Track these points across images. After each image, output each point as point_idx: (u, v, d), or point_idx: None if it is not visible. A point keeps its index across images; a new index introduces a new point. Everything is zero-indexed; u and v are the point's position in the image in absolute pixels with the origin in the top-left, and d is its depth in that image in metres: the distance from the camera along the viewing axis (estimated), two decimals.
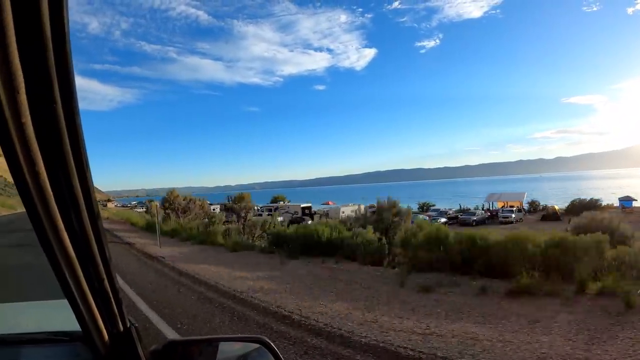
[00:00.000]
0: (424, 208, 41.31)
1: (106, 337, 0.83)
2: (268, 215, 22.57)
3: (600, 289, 5.18)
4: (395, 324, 4.46)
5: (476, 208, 37.75)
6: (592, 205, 30.94)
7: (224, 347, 1.14)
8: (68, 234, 0.59)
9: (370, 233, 9.73)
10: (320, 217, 37.15)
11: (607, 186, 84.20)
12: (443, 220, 26.93)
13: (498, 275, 6.28)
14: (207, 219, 16.83)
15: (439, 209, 37.38)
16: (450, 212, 35.36)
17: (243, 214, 16.29)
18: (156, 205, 13.46)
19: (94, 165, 0.57)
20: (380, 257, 8.48)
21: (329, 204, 53.47)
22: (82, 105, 0.53)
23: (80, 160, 0.54)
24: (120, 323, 0.84)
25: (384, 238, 9.44)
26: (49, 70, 0.45)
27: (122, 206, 75.29)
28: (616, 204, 34.96)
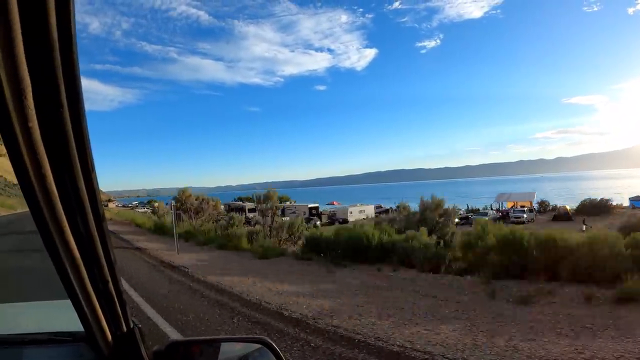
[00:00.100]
0: None
1: (109, 337, 0.84)
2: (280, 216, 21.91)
3: None
4: (551, 351, 3.66)
5: (485, 208, 37.39)
6: (603, 205, 30.64)
7: (225, 347, 1.14)
8: (74, 236, 0.59)
9: (424, 236, 8.96)
10: (329, 217, 36.98)
11: (610, 186, 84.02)
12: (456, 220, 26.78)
13: (586, 279, 5.66)
14: (225, 221, 15.50)
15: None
16: (461, 212, 35.13)
17: (269, 215, 14.30)
18: (172, 205, 11.90)
19: (95, 165, 0.57)
20: (437, 262, 7.68)
21: (333, 204, 53.39)
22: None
23: (86, 163, 0.54)
24: (123, 324, 0.85)
25: (441, 241, 8.66)
26: (56, 74, 0.45)
27: (123, 206, 75.27)
28: (625, 203, 34.60)
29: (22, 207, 40.62)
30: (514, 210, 33.35)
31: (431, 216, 11.18)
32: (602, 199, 32.69)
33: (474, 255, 7.53)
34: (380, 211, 40.44)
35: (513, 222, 28.89)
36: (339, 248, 9.03)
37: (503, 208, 36.79)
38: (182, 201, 19.37)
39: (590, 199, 33.78)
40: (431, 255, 7.83)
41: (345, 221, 33.67)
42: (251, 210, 33.10)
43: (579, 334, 4.11)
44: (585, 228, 18.15)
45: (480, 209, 37.22)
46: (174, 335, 4.48)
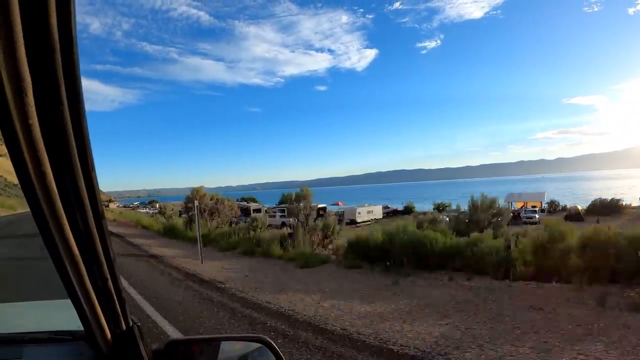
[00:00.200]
0: (439, 208, 40.68)
1: (109, 336, 0.84)
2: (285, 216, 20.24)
3: None
4: None
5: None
6: (614, 205, 30.56)
7: (225, 346, 1.14)
8: (73, 234, 0.60)
9: (490, 238, 8.34)
10: (338, 218, 36.52)
11: (611, 186, 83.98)
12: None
13: None
14: (247, 223, 14.03)
15: (460, 209, 36.48)
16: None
17: (303, 217, 12.44)
18: (195, 205, 10.48)
19: (95, 166, 0.58)
20: (507, 267, 7.08)
21: (339, 205, 53.25)
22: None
23: (86, 161, 0.55)
24: (123, 322, 0.85)
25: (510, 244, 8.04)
26: (56, 70, 0.46)
27: (124, 206, 75.32)
28: (634, 203, 34.43)
29: (23, 208, 40.65)
30: (524, 210, 33.10)
31: (483, 217, 10.30)
32: (612, 199, 32.56)
33: (547, 258, 6.82)
34: (388, 212, 40.12)
35: (525, 222, 28.82)
36: (394, 254, 8.00)
37: (512, 208, 36.65)
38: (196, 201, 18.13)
39: (600, 199, 33.58)
40: (500, 260, 7.20)
41: (353, 222, 33.24)
42: (256, 211, 32.81)
43: None
44: None
45: None
46: None
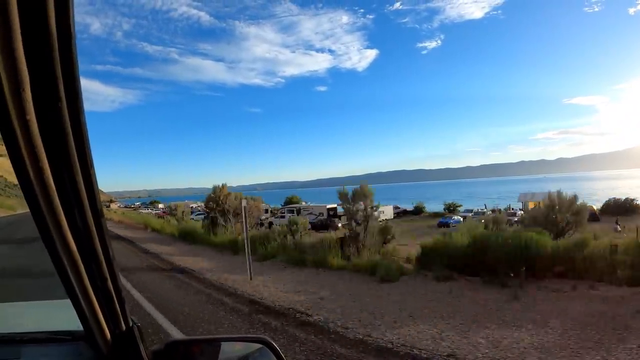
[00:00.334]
0: (450, 209, 39.78)
1: (108, 336, 0.84)
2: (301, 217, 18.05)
3: None
4: None
5: (507, 208, 36.68)
6: (628, 205, 30.31)
7: (225, 347, 1.13)
8: (71, 232, 0.59)
9: (590, 241, 7.58)
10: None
11: (614, 186, 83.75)
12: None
13: None
14: (285, 226, 12.06)
15: (472, 210, 35.85)
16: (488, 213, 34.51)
17: (361, 219, 10.04)
18: (242, 207, 8.40)
19: (95, 166, 0.57)
20: (613, 272, 6.42)
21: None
22: (84, 106, 0.54)
23: (85, 158, 0.54)
24: (122, 322, 0.85)
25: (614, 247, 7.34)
26: (55, 68, 0.45)
27: (126, 207, 75.46)
28: None
29: (22, 208, 40.61)
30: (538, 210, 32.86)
31: (562, 215, 9.25)
32: (627, 199, 32.23)
33: None
34: (398, 212, 39.88)
35: None
36: (489, 260, 6.94)
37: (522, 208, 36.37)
38: (219, 201, 15.73)
39: (614, 198, 33.27)
40: (609, 263, 6.49)
41: None
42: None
43: None
44: (619, 229, 18.02)
45: (502, 208, 36.66)
46: None
